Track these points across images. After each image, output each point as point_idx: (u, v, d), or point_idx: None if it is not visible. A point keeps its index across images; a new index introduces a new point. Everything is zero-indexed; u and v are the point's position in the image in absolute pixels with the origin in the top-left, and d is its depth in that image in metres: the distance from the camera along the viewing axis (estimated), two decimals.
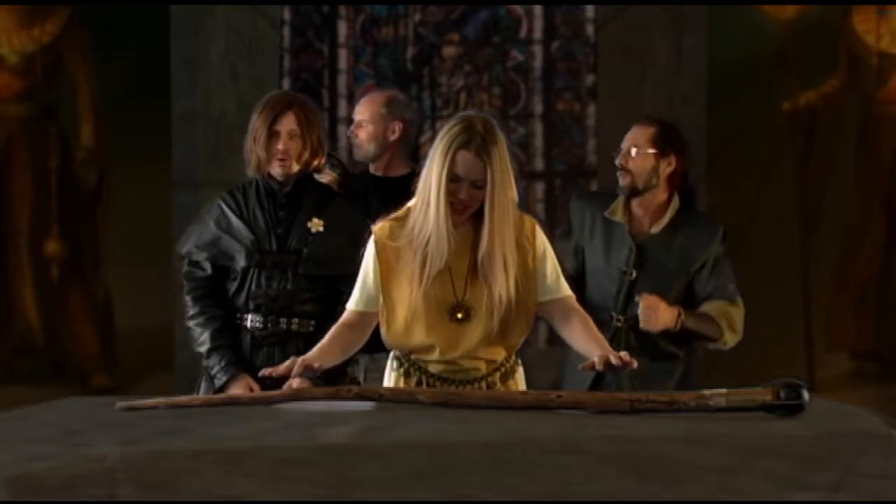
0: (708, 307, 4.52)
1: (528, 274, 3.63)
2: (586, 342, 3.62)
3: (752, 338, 4.44)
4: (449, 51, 7.84)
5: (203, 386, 4.36)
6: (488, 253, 3.55)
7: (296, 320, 4.30)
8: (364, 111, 5.00)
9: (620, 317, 4.51)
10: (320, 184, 4.50)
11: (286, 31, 7.80)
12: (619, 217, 4.54)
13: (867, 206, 7.54)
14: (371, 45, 7.86)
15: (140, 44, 7.43)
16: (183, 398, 3.41)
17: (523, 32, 7.89)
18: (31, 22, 7.51)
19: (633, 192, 4.52)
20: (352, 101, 7.71)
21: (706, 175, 7.42)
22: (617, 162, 4.53)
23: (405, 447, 2.78)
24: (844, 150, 7.54)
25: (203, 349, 4.32)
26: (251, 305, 4.30)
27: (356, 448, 2.80)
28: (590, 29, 7.81)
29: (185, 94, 7.41)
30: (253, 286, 4.30)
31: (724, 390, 3.17)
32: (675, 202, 4.56)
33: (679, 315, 4.45)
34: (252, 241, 4.30)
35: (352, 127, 5.05)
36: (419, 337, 3.61)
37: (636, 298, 4.43)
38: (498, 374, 3.67)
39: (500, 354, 3.67)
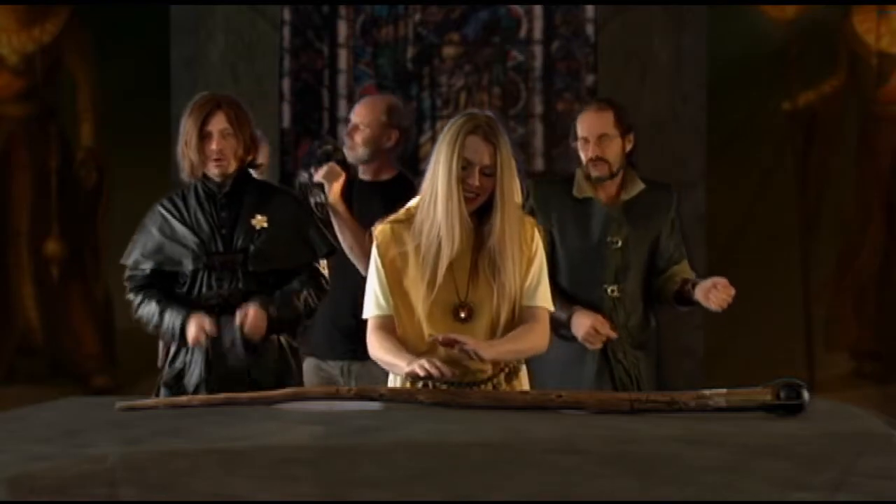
0: (678, 271, 4.60)
1: (526, 276, 3.64)
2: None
3: (752, 338, 4.45)
4: (449, 51, 7.84)
5: (163, 392, 4.32)
6: (500, 240, 3.55)
7: None
8: (363, 115, 4.98)
9: (613, 287, 4.56)
10: (258, 180, 4.49)
11: (286, 31, 7.80)
12: (588, 192, 4.58)
13: (867, 206, 7.54)
14: (371, 45, 7.86)
15: (140, 44, 7.43)
16: (183, 398, 3.41)
17: (523, 32, 7.90)
18: (31, 22, 7.51)
19: (607, 179, 4.57)
20: (352, 101, 7.71)
21: (706, 175, 7.43)
22: (590, 153, 4.55)
23: (405, 447, 2.78)
24: (844, 150, 7.54)
25: (154, 320, 4.30)
26: (203, 308, 4.30)
27: (356, 448, 2.80)
28: (590, 29, 7.81)
29: (185, 94, 7.39)
30: (203, 288, 4.30)
31: (724, 390, 3.17)
32: (631, 171, 4.65)
33: None
34: (197, 244, 4.30)
35: (348, 128, 5.03)
36: (425, 339, 3.60)
37: (710, 283, 4.41)
38: (503, 375, 3.67)
39: None
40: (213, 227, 4.32)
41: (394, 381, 3.71)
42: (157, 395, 4.33)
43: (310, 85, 7.77)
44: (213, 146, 4.28)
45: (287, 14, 7.80)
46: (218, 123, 4.28)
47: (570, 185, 4.62)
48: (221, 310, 4.28)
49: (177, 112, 7.13)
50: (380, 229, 3.66)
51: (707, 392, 3.17)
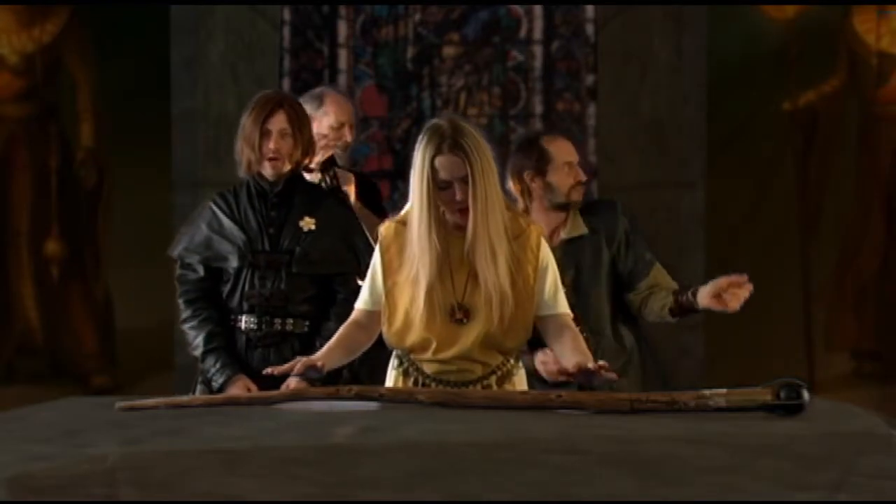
0: (655, 283, 4.44)
1: (528, 283, 3.61)
2: (573, 355, 3.59)
3: (752, 338, 4.44)
4: (449, 51, 7.83)
5: (199, 389, 4.34)
6: (472, 240, 3.53)
7: (290, 321, 4.28)
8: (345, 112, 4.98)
9: None
10: (311, 183, 4.51)
11: (286, 31, 7.79)
12: None
13: (867, 206, 7.53)
14: (371, 45, 7.85)
15: (140, 44, 7.43)
16: (183, 398, 3.42)
17: (523, 32, 7.89)
18: (31, 22, 7.51)
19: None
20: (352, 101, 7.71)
21: (706, 175, 7.42)
22: (580, 176, 4.46)
23: (405, 447, 2.78)
24: (844, 150, 7.54)
25: (198, 352, 4.31)
26: (245, 306, 4.29)
27: (356, 448, 2.80)
28: (590, 29, 7.80)
29: (185, 94, 7.41)
30: (246, 287, 4.29)
31: (724, 390, 3.18)
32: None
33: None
34: (244, 241, 4.29)
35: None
36: (416, 334, 3.61)
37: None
38: (494, 378, 3.65)
39: (495, 359, 3.66)
40: (262, 225, 4.31)
41: (389, 379, 3.72)
42: (195, 391, 4.36)
43: (310, 85, 7.74)
44: (271, 145, 4.27)
45: (287, 14, 7.79)
46: (278, 123, 4.27)
47: None
48: (262, 311, 4.28)
49: (177, 112, 7.13)
50: (386, 226, 3.69)
51: (707, 392, 3.17)
